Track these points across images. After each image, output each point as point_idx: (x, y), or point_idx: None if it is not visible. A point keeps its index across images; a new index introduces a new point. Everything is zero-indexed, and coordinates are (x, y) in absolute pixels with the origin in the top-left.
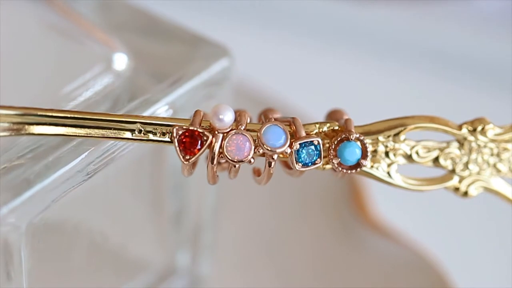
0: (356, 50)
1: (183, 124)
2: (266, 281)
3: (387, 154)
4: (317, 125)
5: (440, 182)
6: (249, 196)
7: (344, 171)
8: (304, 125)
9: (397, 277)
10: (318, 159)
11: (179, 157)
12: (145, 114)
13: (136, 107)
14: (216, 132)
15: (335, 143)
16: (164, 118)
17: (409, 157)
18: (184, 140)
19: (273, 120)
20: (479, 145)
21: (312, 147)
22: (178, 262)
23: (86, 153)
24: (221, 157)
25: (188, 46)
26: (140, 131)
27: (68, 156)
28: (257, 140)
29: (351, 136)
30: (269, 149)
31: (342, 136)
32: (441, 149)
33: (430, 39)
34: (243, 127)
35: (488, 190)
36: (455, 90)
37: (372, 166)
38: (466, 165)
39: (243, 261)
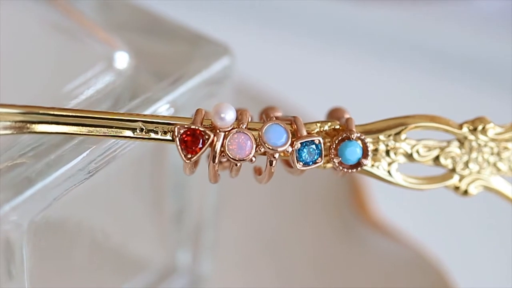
0: (357, 49)
1: (185, 123)
2: (267, 280)
3: (387, 153)
4: (318, 124)
5: (440, 181)
6: (250, 195)
7: (345, 170)
8: (305, 124)
9: (397, 275)
10: (319, 158)
11: (181, 156)
12: (146, 112)
13: (138, 106)
14: (218, 131)
15: (336, 142)
16: (165, 116)
17: (409, 156)
18: (185, 138)
19: (274, 119)
20: (479, 144)
21: (313, 146)
22: (179, 261)
23: (87, 152)
24: (223, 155)
25: (189, 45)
26: (141, 130)
27: (70, 154)
28: (258, 139)
29: (352, 135)
30: (271, 147)
31: (343, 136)
32: (442, 148)
33: (430, 39)
34: (245, 125)
35: (488, 189)
36: (455, 89)
37: (372, 165)
38: (466, 164)
39: (244, 260)
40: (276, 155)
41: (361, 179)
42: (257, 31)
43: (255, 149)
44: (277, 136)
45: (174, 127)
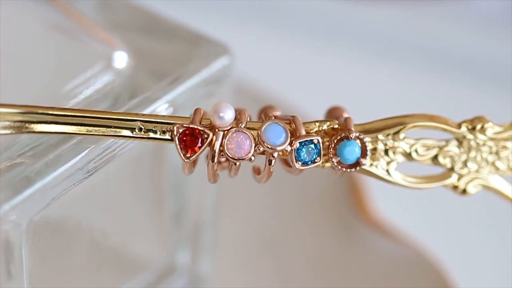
0: (356, 49)
1: (184, 122)
2: (266, 279)
3: (386, 152)
4: (317, 124)
5: (439, 180)
6: (249, 195)
7: (344, 169)
8: (304, 123)
9: (396, 275)
10: (318, 158)
11: (180, 155)
12: (145, 112)
13: (137, 105)
14: (217, 130)
15: (335, 141)
16: (164, 116)
17: (408, 155)
18: (184, 138)
19: (273, 118)
20: (478, 143)
21: (312, 145)
22: (178, 261)
23: (86, 151)
24: (222, 155)
25: (188, 45)
26: (140, 129)
27: (69, 154)
28: (257, 138)
29: (351, 134)
30: (270, 147)
31: (342, 135)
32: (440, 147)
33: (430, 39)
34: (244, 125)
35: (486, 188)
36: (454, 89)
37: (371, 164)
38: (465, 163)
39: (243, 260)
40: (275, 154)
41: (360, 178)
42: (256, 31)
43: (254, 148)
44: (276, 135)
45: (173, 127)
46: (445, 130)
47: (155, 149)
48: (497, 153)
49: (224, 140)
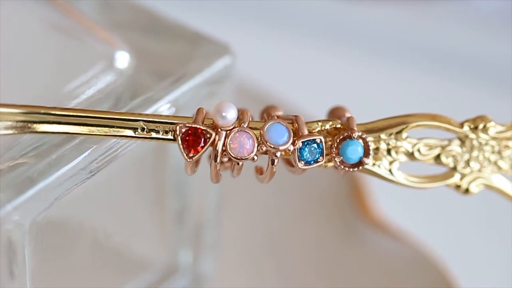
0: (358, 49)
1: (186, 122)
2: (268, 279)
3: (389, 151)
4: (320, 123)
5: (441, 180)
6: (251, 195)
7: (346, 169)
8: (306, 123)
9: (398, 274)
10: (321, 157)
11: (183, 154)
12: (147, 112)
13: (138, 105)
14: (219, 130)
15: (338, 141)
16: (167, 116)
17: (411, 155)
18: (187, 138)
19: (276, 118)
20: (480, 143)
21: (315, 145)
22: (180, 261)
23: (88, 151)
24: (224, 155)
25: (190, 44)
26: (143, 129)
27: (71, 154)
28: (260, 138)
29: (354, 134)
30: (272, 146)
31: (345, 134)
32: (443, 147)
33: (430, 39)
34: (246, 124)
35: (489, 187)
36: (454, 89)
37: (374, 164)
38: (467, 163)
39: (245, 260)
40: (278, 154)
41: (362, 178)
42: (257, 31)
43: (257, 148)
44: (279, 135)
45: (176, 126)
46: (447, 129)
47: (157, 149)
48: (499, 152)
49: (226, 139)
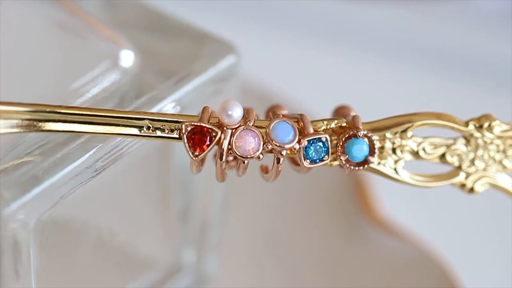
0: (362, 49)
1: (192, 121)
2: (272, 278)
3: (394, 150)
4: (325, 122)
5: (446, 179)
6: (256, 194)
7: (352, 167)
8: (311, 121)
9: (402, 274)
10: (326, 156)
11: (188, 153)
12: (152, 111)
13: (143, 104)
14: (225, 128)
15: (343, 139)
16: (172, 114)
17: (416, 154)
18: (193, 136)
19: (281, 116)
20: (485, 142)
21: (320, 143)
22: (184, 260)
23: (94, 150)
24: (230, 153)
25: (195, 43)
26: (148, 128)
27: (76, 152)
28: (265, 136)
29: (359, 133)
30: (278, 144)
31: (350, 133)
32: (448, 146)
33: (430, 39)
34: (252, 123)
35: (494, 186)
36: (454, 89)
37: (379, 163)
38: (472, 162)
39: (249, 259)
40: (284, 153)
41: (366, 177)
42: (262, 30)
43: (262, 146)
44: (285, 133)
45: (181, 125)
46: (452, 128)
47: (163, 147)
48: (504, 151)
49: (232, 138)
